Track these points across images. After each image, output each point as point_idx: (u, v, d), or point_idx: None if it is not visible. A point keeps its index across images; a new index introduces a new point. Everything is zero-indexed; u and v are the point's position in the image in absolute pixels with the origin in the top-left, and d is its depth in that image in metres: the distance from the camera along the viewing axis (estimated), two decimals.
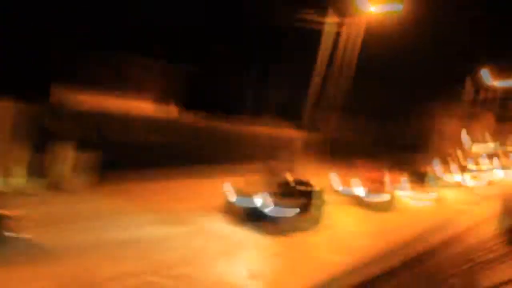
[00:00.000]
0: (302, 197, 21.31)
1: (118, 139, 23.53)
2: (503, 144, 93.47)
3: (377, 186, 28.17)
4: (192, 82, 38.57)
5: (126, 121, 24.65)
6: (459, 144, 69.41)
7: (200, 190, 23.45)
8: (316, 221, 21.61)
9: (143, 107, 30.78)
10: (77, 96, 25.97)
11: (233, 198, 20.24)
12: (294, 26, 34.75)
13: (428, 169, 38.94)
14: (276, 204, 19.57)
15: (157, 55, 34.03)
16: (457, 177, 44.04)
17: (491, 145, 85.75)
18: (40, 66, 26.84)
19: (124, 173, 22.29)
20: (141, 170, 23.49)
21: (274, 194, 19.87)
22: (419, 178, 35.23)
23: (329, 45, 32.96)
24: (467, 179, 45.28)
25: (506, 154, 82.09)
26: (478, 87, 68.60)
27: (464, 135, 75.88)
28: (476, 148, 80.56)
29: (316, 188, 22.39)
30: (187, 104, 34.59)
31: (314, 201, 21.82)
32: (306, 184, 22.24)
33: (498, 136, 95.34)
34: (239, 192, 20.40)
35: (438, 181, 39.03)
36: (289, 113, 42.22)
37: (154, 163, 24.92)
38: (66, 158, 20.39)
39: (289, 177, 22.01)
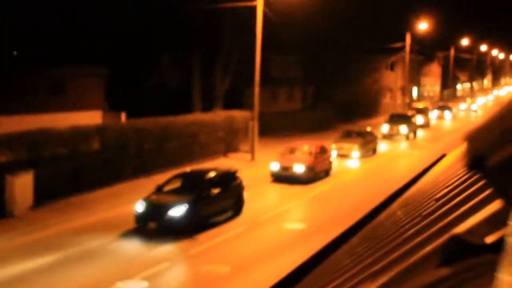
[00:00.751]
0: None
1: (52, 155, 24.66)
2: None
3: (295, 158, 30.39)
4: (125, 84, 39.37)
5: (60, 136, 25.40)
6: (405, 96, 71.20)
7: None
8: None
9: (88, 118, 31.58)
10: (19, 119, 27.13)
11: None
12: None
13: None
14: None
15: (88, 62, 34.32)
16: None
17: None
18: None
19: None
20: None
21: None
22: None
23: (260, 23, 34.20)
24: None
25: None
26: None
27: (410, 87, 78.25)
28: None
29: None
30: (129, 108, 35.13)
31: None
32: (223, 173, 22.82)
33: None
34: None
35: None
36: (235, 99, 43.61)
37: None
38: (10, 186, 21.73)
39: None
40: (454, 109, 75.76)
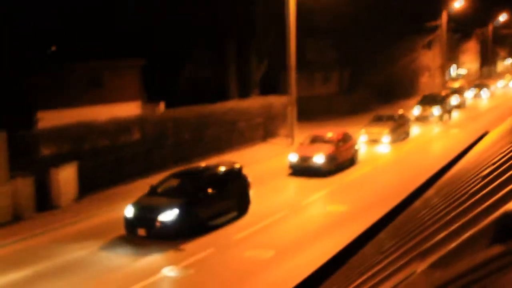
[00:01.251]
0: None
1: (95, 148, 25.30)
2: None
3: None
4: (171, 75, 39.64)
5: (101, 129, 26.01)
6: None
7: None
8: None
9: (127, 109, 31.91)
10: (59, 114, 27.58)
11: None
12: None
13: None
14: None
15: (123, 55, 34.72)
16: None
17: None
18: (20, 95, 28.04)
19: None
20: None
21: None
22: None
23: (294, 9, 34.11)
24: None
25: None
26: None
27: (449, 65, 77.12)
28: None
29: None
30: (169, 99, 35.47)
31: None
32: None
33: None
34: None
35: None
36: (271, 84, 43.62)
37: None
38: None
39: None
40: (492, 87, 72.64)
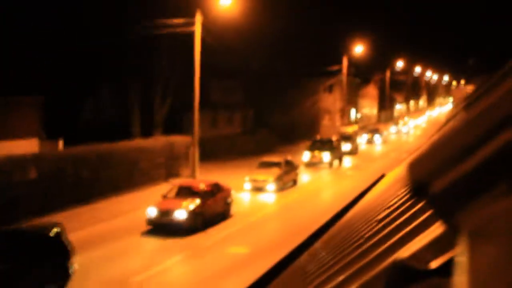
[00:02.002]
0: None
1: None
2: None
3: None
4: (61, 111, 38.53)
5: None
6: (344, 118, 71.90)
7: None
8: None
9: (25, 146, 30.86)
10: None
11: None
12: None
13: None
14: None
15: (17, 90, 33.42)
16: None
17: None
18: None
19: None
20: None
21: None
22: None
23: (199, 46, 34.10)
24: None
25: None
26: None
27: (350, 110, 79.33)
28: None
29: None
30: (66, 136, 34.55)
31: None
32: None
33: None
34: None
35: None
36: (175, 124, 43.32)
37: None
38: None
39: None
40: (385, 132, 72.49)
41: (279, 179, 34.49)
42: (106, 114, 43.30)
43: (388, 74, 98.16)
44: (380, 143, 67.09)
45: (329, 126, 72.84)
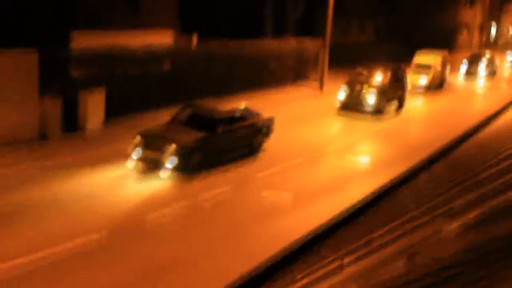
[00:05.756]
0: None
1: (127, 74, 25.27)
2: None
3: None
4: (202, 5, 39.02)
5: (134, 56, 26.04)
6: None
7: None
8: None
9: (161, 37, 31.68)
10: (94, 35, 27.42)
11: None
12: None
13: None
14: None
15: None
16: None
17: None
18: (56, 12, 27.68)
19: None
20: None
21: None
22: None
23: None
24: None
25: None
26: None
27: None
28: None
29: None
30: (201, 31, 35.07)
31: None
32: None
33: None
34: None
35: None
36: (307, 26, 42.99)
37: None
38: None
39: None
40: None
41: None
42: (240, 11, 43.38)
43: None
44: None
45: (466, 41, 69.68)
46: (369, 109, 27.57)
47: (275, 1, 40.99)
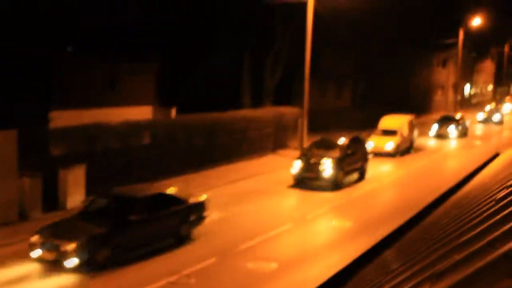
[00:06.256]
0: None
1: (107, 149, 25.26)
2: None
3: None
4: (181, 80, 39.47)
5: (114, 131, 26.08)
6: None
7: None
8: None
9: (139, 113, 31.86)
10: (73, 113, 27.54)
11: None
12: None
13: None
14: None
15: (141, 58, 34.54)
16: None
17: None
18: (35, 92, 27.78)
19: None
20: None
21: None
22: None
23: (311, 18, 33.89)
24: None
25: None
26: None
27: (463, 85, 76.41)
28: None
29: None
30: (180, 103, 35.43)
31: None
32: None
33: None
34: None
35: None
36: (284, 94, 43.40)
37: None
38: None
39: None
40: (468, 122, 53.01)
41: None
42: (217, 83, 43.91)
43: (506, 48, 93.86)
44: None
45: (441, 101, 70.79)
46: (325, 183, 26.07)
47: (252, 69, 41.55)
